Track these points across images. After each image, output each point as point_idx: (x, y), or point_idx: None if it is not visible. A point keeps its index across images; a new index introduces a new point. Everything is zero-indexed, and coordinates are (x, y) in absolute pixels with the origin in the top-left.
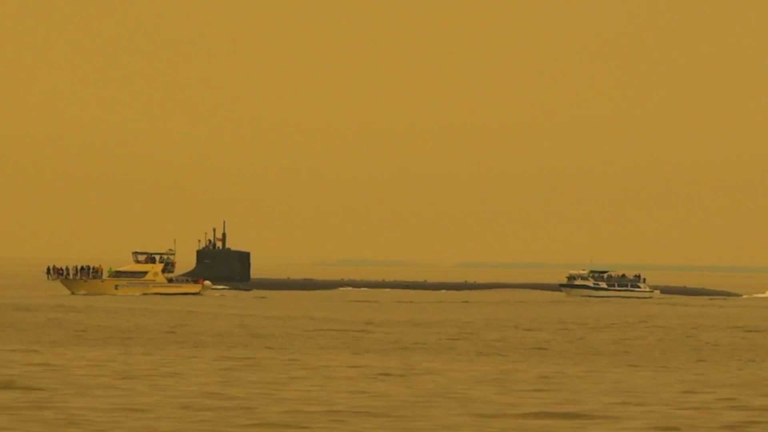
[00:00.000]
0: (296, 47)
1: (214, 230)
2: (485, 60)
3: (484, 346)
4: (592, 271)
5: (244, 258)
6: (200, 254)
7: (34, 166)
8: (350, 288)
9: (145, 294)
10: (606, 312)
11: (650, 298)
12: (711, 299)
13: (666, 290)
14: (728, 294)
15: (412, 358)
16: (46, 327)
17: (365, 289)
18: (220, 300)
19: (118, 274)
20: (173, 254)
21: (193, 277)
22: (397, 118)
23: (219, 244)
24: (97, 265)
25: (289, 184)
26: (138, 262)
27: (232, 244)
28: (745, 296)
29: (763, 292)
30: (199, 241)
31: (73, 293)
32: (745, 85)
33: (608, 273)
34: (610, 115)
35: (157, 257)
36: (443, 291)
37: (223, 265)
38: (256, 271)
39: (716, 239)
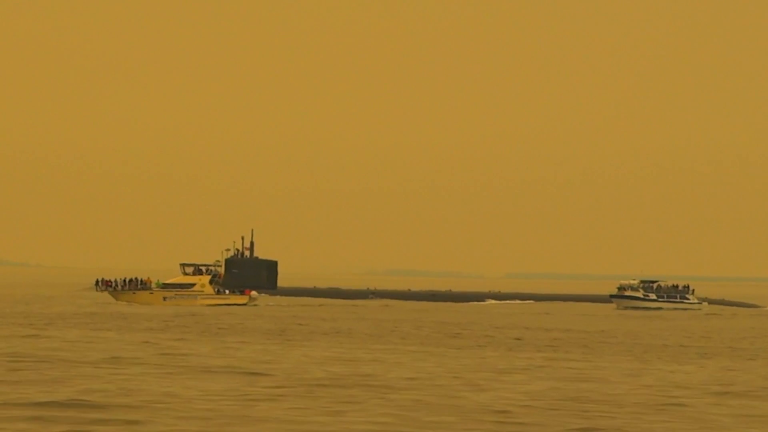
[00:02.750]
0: (325, 65)
1: (243, 239)
2: (523, 73)
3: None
4: (642, 282)
5: (271, 266)
6: (228, 263)
7: (84, 184)
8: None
9: (193, 305)
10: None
11: (699, 309)
12: (757, 310)
13: (712, 302)
14: (748, 305)
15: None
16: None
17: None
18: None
19: (166, 286)
20: (220, 266)
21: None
22: (447, 131)
23: (247, 252)
24: (145, 278)
25: (345, 197)
26: (186, 273)
27: (270, 254)
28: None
29: None
30: (228, 250)
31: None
32: None
33: (658, 283)
34: (657, 127)
35: (204, 269)
36: (489, 302)
37: (250, 274)
38: (299, 279)
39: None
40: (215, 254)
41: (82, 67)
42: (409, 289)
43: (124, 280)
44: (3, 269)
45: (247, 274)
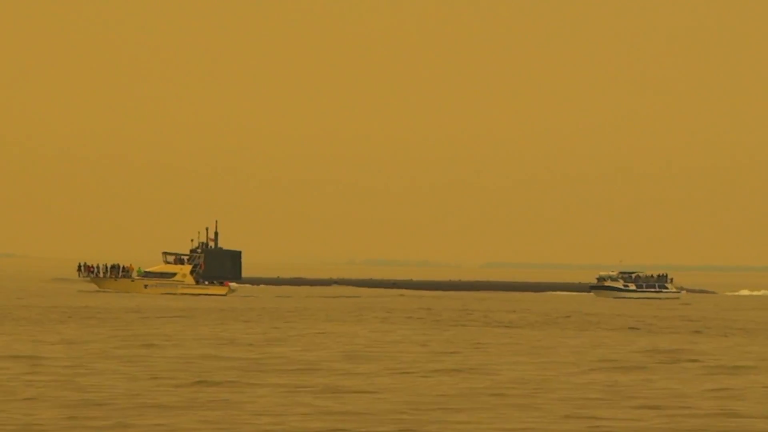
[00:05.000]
0: (294, 54)
1: (207, 229)
2: (512, 70)
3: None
4: (621, 272)
5: (235, 257)
6: (193, 253)
7: (66, 175)
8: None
9: (172, 294)
10: None
11: (678, 298)
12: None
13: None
14: (705, 291)
15: None
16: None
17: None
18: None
19: (147, 274)
20: (201, 256)
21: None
22: (423, 121)
23: (211, 243)
24: (127, 265)
25: (325, 188)
26: (167, 263)
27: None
28: (724, 294)
29: (737, 291)
30: (192, 240)
31: (102, 291)
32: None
33: (636, 273)
34: (636, 120)
35: (186, 258)
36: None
37: (214, 264)
38: (277, 270)
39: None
40: (183, 243)
41: (60, 57)
42: (371, 278)
43: (107, 267)
44: None
45: (211, 264)
